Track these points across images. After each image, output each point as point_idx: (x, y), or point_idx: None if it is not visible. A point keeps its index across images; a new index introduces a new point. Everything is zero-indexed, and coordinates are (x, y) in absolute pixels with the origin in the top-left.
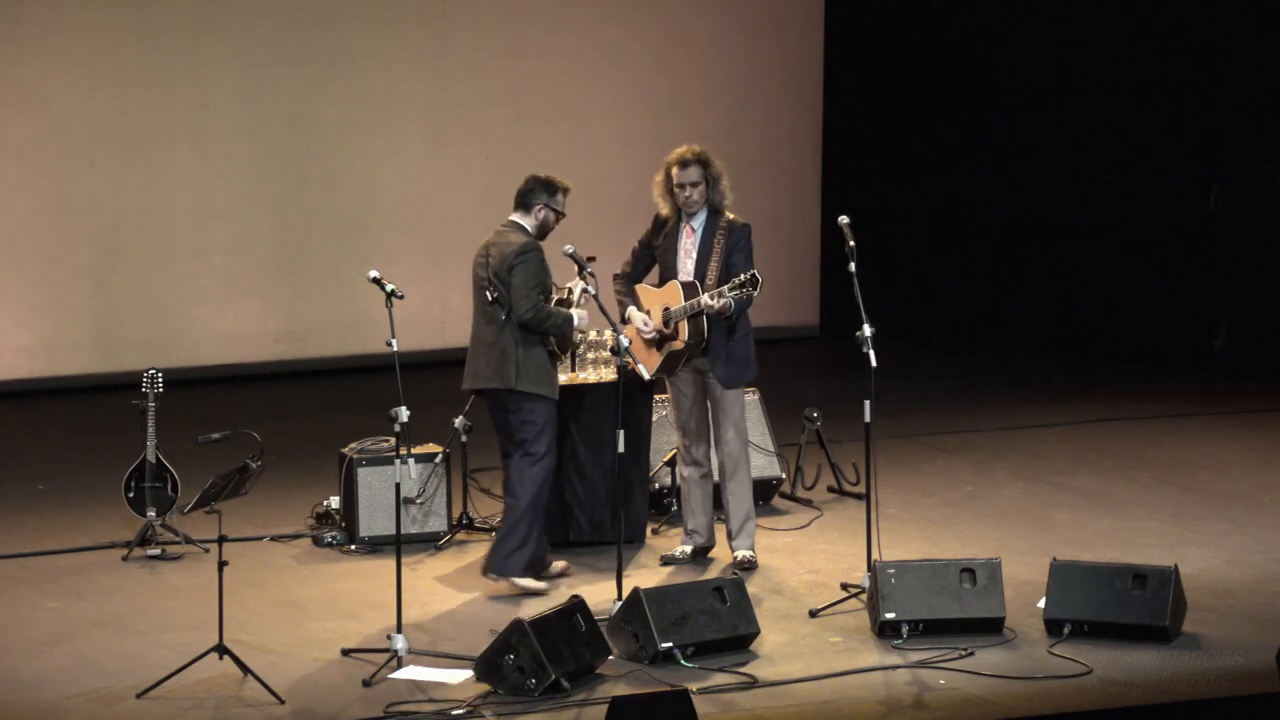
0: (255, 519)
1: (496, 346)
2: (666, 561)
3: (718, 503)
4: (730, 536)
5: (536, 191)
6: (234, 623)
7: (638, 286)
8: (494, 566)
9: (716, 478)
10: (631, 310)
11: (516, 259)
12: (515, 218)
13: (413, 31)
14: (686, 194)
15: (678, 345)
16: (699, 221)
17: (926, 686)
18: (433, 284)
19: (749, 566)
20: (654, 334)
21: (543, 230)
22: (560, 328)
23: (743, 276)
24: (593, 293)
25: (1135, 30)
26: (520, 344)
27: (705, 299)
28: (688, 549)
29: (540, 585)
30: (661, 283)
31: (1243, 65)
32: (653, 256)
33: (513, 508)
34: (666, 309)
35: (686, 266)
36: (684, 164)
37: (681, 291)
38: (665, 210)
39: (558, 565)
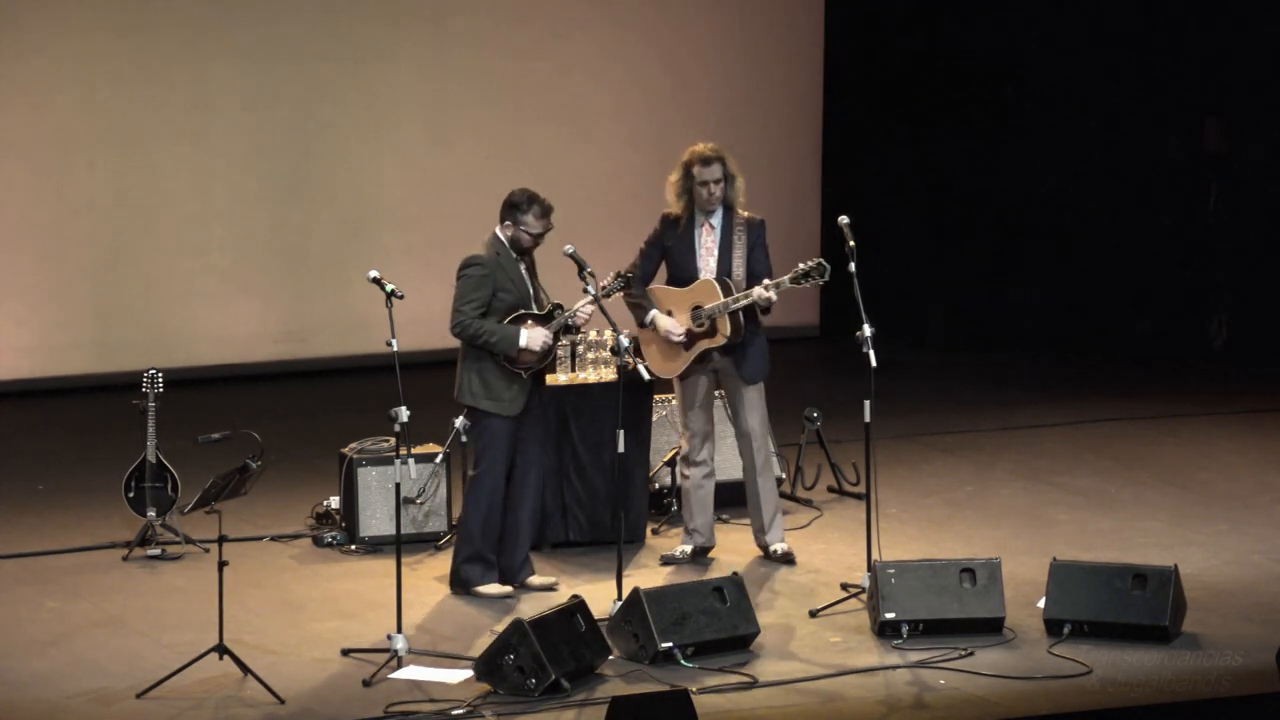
0: (255, 519)
1: (459, 356)
2: (667, 561)
3: (718, 503)
4: (762, 531)
5: (509, 208)
6: (234, 623)
7: (653, 288)
8: (452, 581)
9: (718, 476)
10: (656, 315)
11: (458, 273)
12: (496, 228)
13: (413, 30)
14: (710, 191)
15: (717, 342)
16: (717, 219)
17: (926, 686)
18: (433, 284)
19: (790, 559)
20: (683, 336)
21: (516, 246)
22: (494, 346)
23: (808, 264)
24: (593, 293)
25: (1135, 29)
26: (468, 357)
27: (761, 291)
28: (688, 549)
29: (504, 590)
30: (676, 282)
31: (1243, 63)
32: (661, 257)
33: (460, 522)
34: (698, 307)
35: (709, 264)
36: (706, 161)
37: (719, 288)
38: (678, 209)
39: (535, 581)
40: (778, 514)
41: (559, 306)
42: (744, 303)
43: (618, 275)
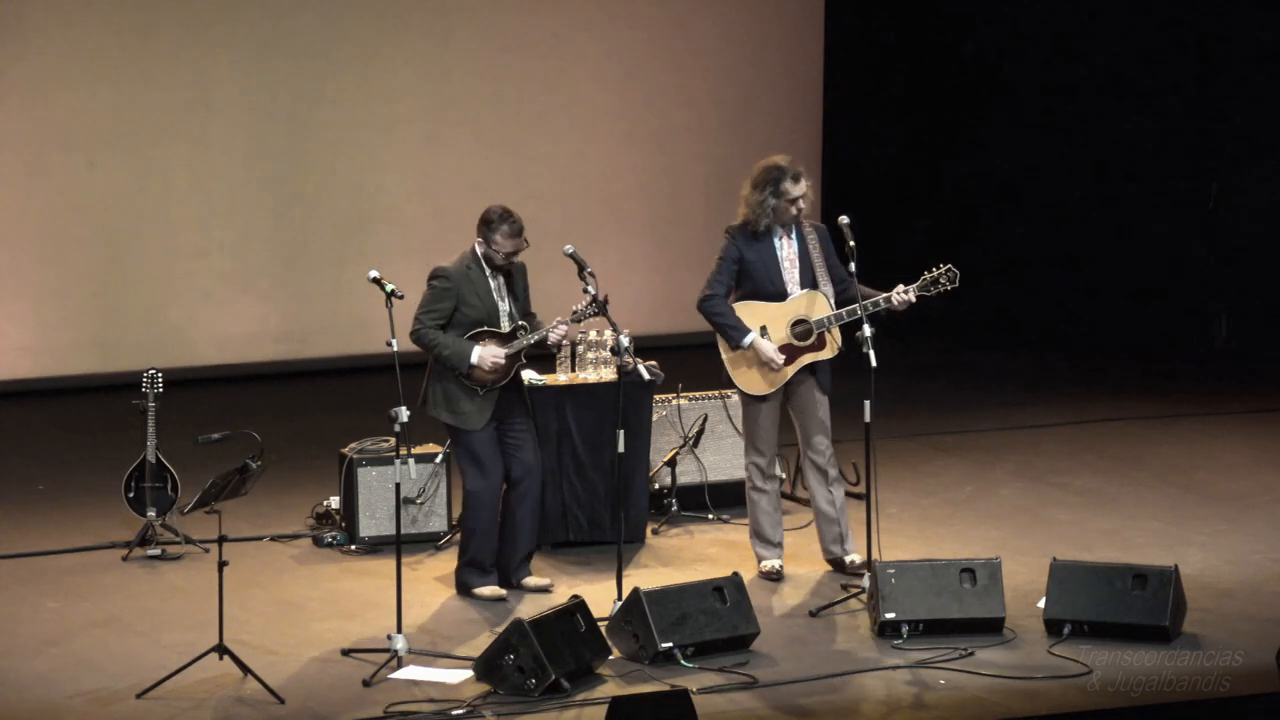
0: (255, 519)
1: (427, 367)
2: (770, 578)
3: (715, 503)
4: (840, 540)
5: (482, 224)
6: (234, 623)
7: (740, 305)
8: (456, 583)
9: (711, 477)
10: (756, 339)
11: (426, 282)
12: (474, 242)
13: (413, 30)
14: (799, 206)
15: (823, 355)
16: (792, 230)
17: (926, 686)
18: None
19: (861, 571)
20: (782, 364)
21: (489, 262)
22: (446, 359)
23: (935, 270)
24: (593, 293)
25: (1135, 27)
26: (432, 369)
27: (900, 295)
28: (780, 564)
29: (499, 592)
30: (760, 296)
31: (1243, 62)
32: (737, 271)
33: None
34: (801, 320)
35: (793, 276)
36: (797, 177)
37: (828, 301)
38: (752, 225)
39: (530, 582)
40: (849, 524)
41: (522, 327)
42: (871, 311)
43: (592, 301)
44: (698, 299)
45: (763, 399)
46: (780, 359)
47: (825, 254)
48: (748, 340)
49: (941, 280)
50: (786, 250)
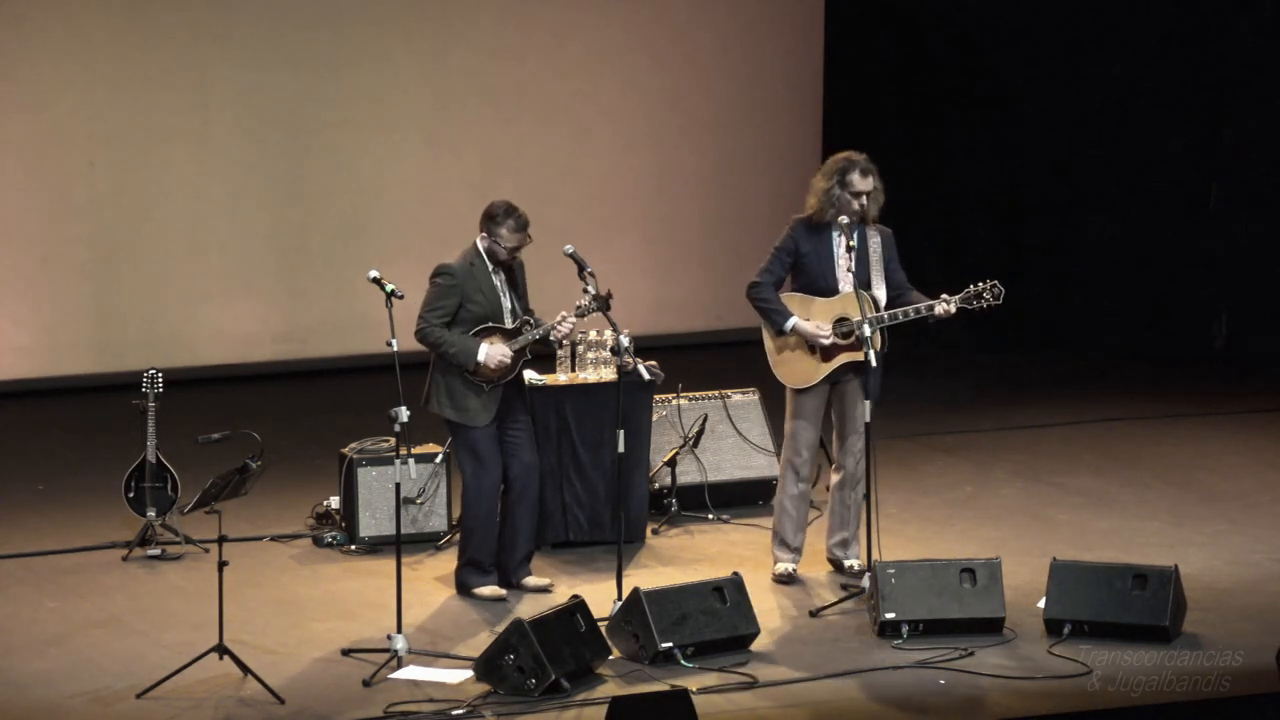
0: (255, 519)
1: (429, 364)
2: (781, 580)
3: (715, 503)
4: (846, 545)
5: (486, 219)
6: (234, 623)
7: (788, 295)
8: (456, 583)
9: (712, 476)
10: (798, 321)
11: (430, 279)
12: (476, 237)
13: (412, 32)
14: (863, 202)
15: (859, 356)
16: (855, 230)
17: (926, 686)
18: None
19: (859, 575)
20: (830, 339)
21: (492, 258)
22: (452, 357)
23: (980, 285)
24: (592, 293)
25: (1136, 27)
26: (435, 365)
27: (943, 306)
28: (794, 567)
29: (499, 592)
30: (811, 291)
31: (1243, 61)
32: (792, 263)
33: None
34: (843, 319)
35: (847, 276)
36: (865, 172)
37: (869, 303)
38: (817, 215)
39: (530, 582)
40: (859, 530)
41: (527, 323)
42: (912, 317)
43: (595, 297)
44: (747, 285)
45: (805, 393)
46: (828, 331)
47: (887, 258)
48: (790, 324)
49: (985, 296)
50: (842, 250)
